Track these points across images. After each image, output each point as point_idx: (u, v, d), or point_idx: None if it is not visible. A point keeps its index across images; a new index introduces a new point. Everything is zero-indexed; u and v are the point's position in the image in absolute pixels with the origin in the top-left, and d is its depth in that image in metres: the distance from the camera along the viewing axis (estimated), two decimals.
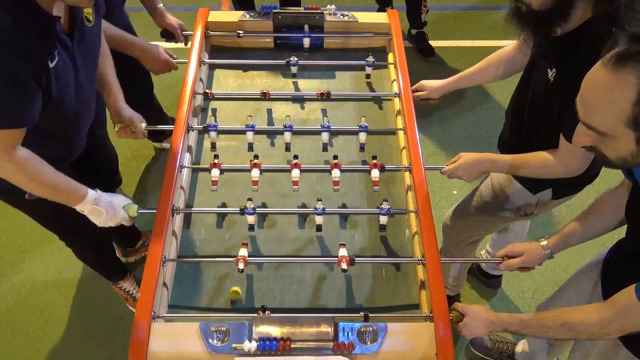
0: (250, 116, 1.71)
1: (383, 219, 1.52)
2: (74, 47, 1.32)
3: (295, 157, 1.59)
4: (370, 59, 1.88)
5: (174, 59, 1.91)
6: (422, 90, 1.84)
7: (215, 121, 1.82)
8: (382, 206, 1.49)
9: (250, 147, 1.70)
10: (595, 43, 1.22)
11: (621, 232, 1.34)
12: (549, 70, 1.37)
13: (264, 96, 1.80)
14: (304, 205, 1.61)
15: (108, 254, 2.12)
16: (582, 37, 1.27)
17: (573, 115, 1.34)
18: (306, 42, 1.99)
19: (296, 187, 1.54)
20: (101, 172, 1.94)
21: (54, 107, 1.32)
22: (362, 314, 1.32)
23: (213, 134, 1.69)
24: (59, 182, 1.35)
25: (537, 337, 1.26)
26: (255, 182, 1.54)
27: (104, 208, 1.41)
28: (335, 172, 1.56)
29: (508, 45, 1.65)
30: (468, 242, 1.95)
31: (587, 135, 1.02)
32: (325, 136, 1.69)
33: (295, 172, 1.55)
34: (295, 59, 1.88)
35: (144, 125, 1.59)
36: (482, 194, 1.78)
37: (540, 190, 1.62)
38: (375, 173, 1.56)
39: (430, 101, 1.86)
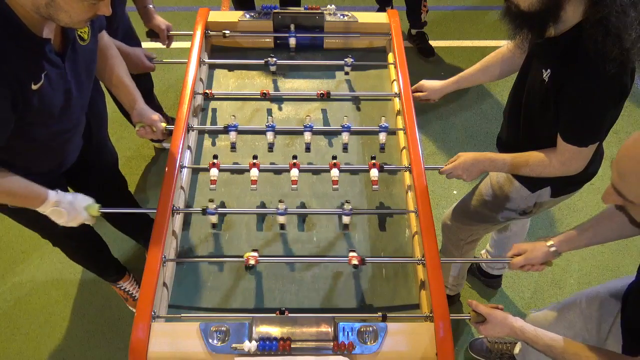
0: (233, 116, 1.70)
1: (346, 219, 1.52)
2: (65, 66, 1.32)
3: (295, 157, 1.59)
4: (349, 60, 1.88)
5: (153, 60, 1.91)
6: (421, 91, 1.84)
7: (215, 121, 1.83)
8: (345, 207, 1.49)
9: (233, 146, 1.69)
10: (588, 48, 1.23)
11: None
12: (543, 70, 1.37)
13: (264, 96, 1.80)
14: (302, 205, 1.61)
15: (99, 254, 2.11)
16: (575, 39, 1.27)
17: (569, 117, 1.34)
18: (292, 41, 1.98)
19: (295, 186, 1.54)
20: (104, 174, 1.94)
21: (38, 125, 1.33)
22: (380, 314, 1.33)
23: (233, 134, 1.68)
24: (17, 187, 1.35)
25: None
26: (254, 182, 1.54)
27: (65, 209, 1.41)
28: (334, 172, 1.56)
29: (506, 44, 1.65)
30: (467, 241, 1.96)
31: (616, 197, 1.03)
32: (307, 136, 1.68)
33: (294, 172, 1.56)
34: (274, 59, 1.88)
35: (164, 125, 1.60)
36: (482, 193, 1.78)
37: (538, 189, 1.62)
38: (374, 172, 1.56)
39: (429, 101, 1.87)
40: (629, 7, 1.19)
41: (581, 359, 1.16)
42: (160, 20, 2.08)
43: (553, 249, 1.39)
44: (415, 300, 1.44)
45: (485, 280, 2.37)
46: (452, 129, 3.01)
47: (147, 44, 2.16)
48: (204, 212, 1.48)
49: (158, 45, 2.15)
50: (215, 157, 1.59)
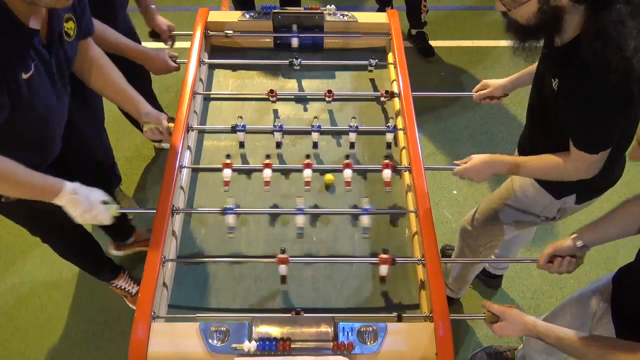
0: (240, 117, 1.70)
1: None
2: (52, 60, 1.33)
3: (307, 156, 1.59)
4: (373, 61, 1.88)
5: (176, 60, 1.92)
6: (485, 89, 1.83)
7: (215, 121, 1.83)
8: (365, 206, 1.49)
9: (242, 145, 1.71)
10: (588, 59, 1.22)
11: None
12: (552, 80, 1.38)
13: (271, 95, 1.79)
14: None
15: (90, 252, 2.11)
16: (578, 48, 1.26)
17: (578, 125, 1.33)
18: (294, 42, 1.99)
19: (308, 187, 1.54)
20: (98, 171, 1.94)
21: (26, 116, 1.33)
22: (395, 313, 1.34)
23: (241, 134, 1.69)
24: (31, 180, 1.34)
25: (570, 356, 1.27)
26: (267, 183, 1.54)
27: (82, 198, 1.38)
28: (347, 172, 1.56)
29: None
30: (486, 247, 1.93)
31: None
32: (315, 135, 1.69)
33: (307, 172, 1.55)
34: (299, 59, 1.88)
35: (171, 125, 1.61)
36: (504, 198, 1.76)
37: (564, 196, 1.61)
38: (387, 173, 1.56)
39: (493, 100, 1.85)
40: (627, 17, 1.18)
41: (591, 347, 1.16)
42: (162, 21, 2.08)
43: (579, 242, 1.36)
44: (415, 300, 1.44)
45: (486, 280, 2.36)
46: (452, 129, 3.00)
47: (149, 44, 2.15)
48: (223, 212, 1.47)
49: (160, 45, 2.15)
50: (228, 156, 1.59)
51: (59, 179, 1.38)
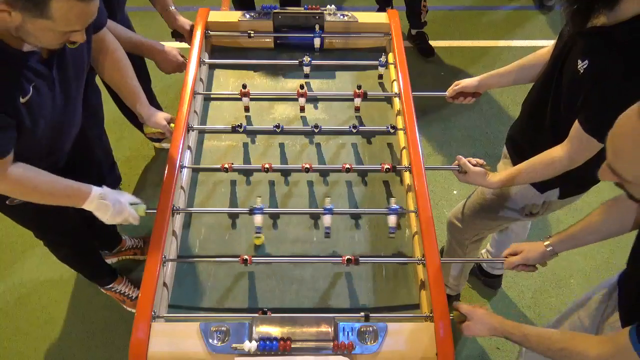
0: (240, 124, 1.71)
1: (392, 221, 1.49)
2: (53, 73, 1.32)
3: (307, 166, 1.59)
4: (383, 59, 1.88)
5: (185, 60, 1.94)
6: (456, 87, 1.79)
7: (216, 121, 1.83)
8: (393, 205, 1.47)
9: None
10: (636, 42, 1.18)
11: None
12: (579, 61, 1.30)
13: (243, 93, 1.77)
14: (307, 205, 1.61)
15: (91, 258, 2.12)
16: (628, 32, 1.21)
17: (600, 108, 1.26)
18: (317, 42, 1.99)
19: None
20: (97, 170, 1.94)
21: (31, 133, 1.33)
22: (362, 314, 1.33)
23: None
24: (58, 187, 1.37)
25: (536, 353, 1.27)
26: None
27: (111, 202, 1.41)
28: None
29: (545, 47, 1.58)
30: (472, 241, 1.95)
31: (611, 175, 1.00)
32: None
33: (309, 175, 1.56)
34: (309, 59, 1.86)
35: (172, 125, 1.63)
36: (489, 192, 1.76)
37: (547, 190, 1.61)
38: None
39: (467, 99, 1.81)
40: None
41: (553, 341, 1.16)
42: (184, 21, 2.08)
43: (550, 248, 1.38)
44: (415, 300, 1.44)
45: (486, 280, 2.37)
46: (452, 129, 3.00)
47: (172, 44, 2.15)
48: (251, 212, 1.47)
49: (183, 45, 2.15)
50: (230, 164, 1.59)
51: (85, 184, 1.40)
